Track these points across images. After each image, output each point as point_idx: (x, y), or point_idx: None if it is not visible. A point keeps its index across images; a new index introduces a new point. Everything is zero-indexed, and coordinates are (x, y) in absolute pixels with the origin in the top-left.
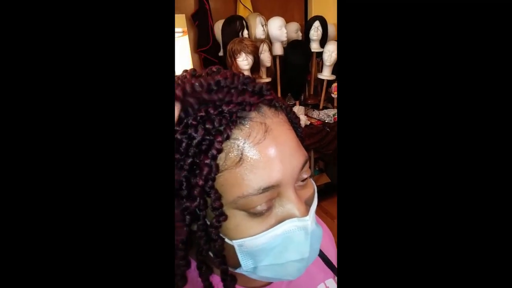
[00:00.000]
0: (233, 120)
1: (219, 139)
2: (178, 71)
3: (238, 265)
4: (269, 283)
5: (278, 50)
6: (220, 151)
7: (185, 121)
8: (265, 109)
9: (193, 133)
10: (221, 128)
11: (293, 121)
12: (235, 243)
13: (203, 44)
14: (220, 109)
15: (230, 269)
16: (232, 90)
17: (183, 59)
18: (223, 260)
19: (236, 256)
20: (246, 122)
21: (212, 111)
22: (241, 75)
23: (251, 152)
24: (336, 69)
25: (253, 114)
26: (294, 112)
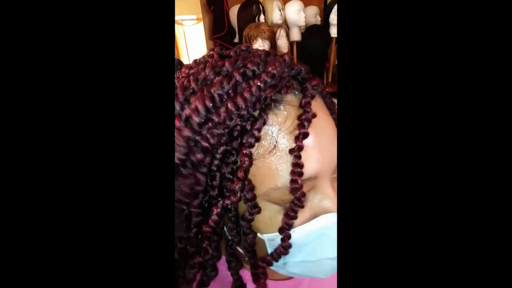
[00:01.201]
0: (268, 104)
1: (257, 126)
2: (194, 58)
3: None
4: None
5: (296, 35)
6: (258, 139)
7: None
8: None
9: (227, 120)
10: (255, 113)
11: (329, 106)
12: (265, 237)
13: (218, 30)
14: (253, 92)
15: (260, 263)
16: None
17: (198, 46)
18: (254, 254)
19: (266, 250)
20: (281, 106)
21: (246, 94)
22: (279, 55)
23: (286, 140)
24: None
25: (289, 97)
26: (330, 97)
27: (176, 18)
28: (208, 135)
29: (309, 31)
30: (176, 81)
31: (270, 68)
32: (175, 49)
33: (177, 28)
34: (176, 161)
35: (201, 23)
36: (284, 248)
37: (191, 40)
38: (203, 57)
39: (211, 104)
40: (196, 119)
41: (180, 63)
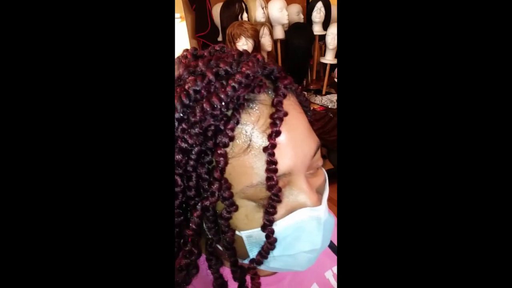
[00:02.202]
0: (241, 103)
1: (231, 125)
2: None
3: (246, 256)
4: (275, 272)
5: (279, 33)
6: (232, 138)
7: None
8: None
9: (202, 120)
10: (229, 113)
11: (304, 104)
12: (243, 234)
13: (201, 29)
14: (228, 92)
15: (239, 260)
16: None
17: (181, 45)
18: (233, 252)
19: (245, 247)
20: (254, 105)
21: (221, 94)
22: (251, 55)
23: (260, 138)
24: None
25: (262, 96)
26: (304, 95)
27: None
28: (185, 136)
29: (292, 29)
30: None
31: (244, 68)
32: None
33: None
34: None
35: (184, 22)
36: (270, 244)
37: (175, 38)
38: (178, 57)
39: (187, 101)
40: (175, 115)
41: None
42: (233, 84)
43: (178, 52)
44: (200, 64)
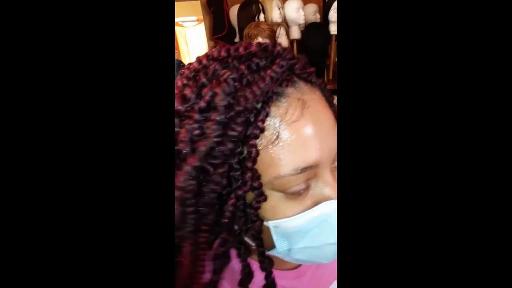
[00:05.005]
0: (270, 97)
1: (261, 117)
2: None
3: (272, 246)
4: (299, 265)
5: (296, 33)
6: (263, 130)
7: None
8: (301, 84)
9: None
10: (258, 105)
11: (328, 99)
12: (270, 224)
13: (219, 31)
14: (258, 84)
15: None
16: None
17: (199, 47)
18: (261, 242)
19: (271, 237)
20: (282, 99)
21: (261, 83)
22: (279, 49)
23: (288, 131)
24: None
25: (289, 90)
26: (328, 90)
27: (177, 20)
28: (233, 125)
29: (308, 29)
30: (180, 79)
31: (275, 63)
32: (176, 51)
33: (178, 29)
34: (204, 149)
35: (202, 24)
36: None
37: (192, 41)
38: (206, 54)
39: (228, 89)
40: (221, 103)
41: (181, 63)
42: (265, 77)
43: (196, 54)
44: (230, 59)
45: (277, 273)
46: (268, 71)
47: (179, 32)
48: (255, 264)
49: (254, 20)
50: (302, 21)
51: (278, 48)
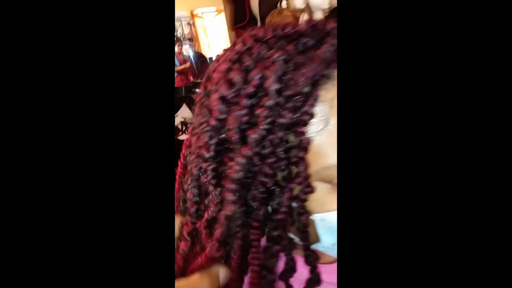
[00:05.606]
0: (318, 80)
1: (310, 102)
2: (216, 51)
3: (316, 240)
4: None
5: None
6: (312, 116)
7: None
8: None
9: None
10: (306, 89)
11: None
12: (316, 217)
13: (240, 20)
14: (308, 66)
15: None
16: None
17: (220, 37)
18: (306, 235)
19: (316, 231)
20: (330, 82)
21: (300, 69)
22: (328, 25)
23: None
24: None
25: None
26: None
27: (196, 11)
28: (283, 111)
29: (333, 13)
30: (223, 62)
31: (324, 43)
32: (196, 42)
33: (198, 21)
34: (256, 137)
35: (222, 15)
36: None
37: (212, 32)
38: (250, 34)
39: (279, 72)
40: (272, 86)
41: (202, 56)
42: (316, 58)
43: (217, 45)
44: (275, 40)
45: (321, 268)
46: (318, 52)
47: (199, 24)
48: (298, 259)
49: (276, 7)
50: (326, 6)
51: (328, 26)
